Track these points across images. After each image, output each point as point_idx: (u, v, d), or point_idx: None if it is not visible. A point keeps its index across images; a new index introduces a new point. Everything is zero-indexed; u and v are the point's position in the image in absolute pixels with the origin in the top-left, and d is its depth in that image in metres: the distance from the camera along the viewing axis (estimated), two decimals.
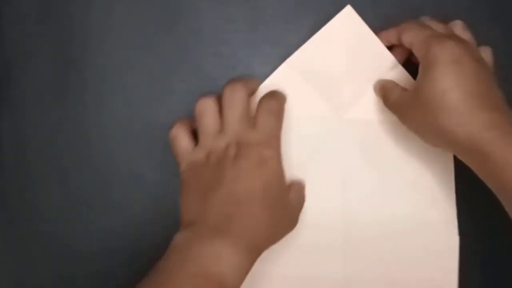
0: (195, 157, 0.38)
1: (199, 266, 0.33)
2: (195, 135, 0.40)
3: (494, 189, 0.35)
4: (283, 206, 0.38)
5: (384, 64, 0.42)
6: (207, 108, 0.38)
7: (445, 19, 0.40)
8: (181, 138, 0.39)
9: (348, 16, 0.42)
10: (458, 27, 0.39)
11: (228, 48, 0.44)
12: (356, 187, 0.43)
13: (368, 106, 0.43)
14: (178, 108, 0.44)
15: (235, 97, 0.38)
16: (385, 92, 0.41)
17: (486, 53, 0.38)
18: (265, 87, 0.43)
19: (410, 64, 0.42)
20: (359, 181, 0.43)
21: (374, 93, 0.42)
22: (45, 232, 0.44)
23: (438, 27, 0.38)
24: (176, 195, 0.43)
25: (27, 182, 0.44)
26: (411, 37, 0.37)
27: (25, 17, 0.44)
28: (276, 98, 0.39)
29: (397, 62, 0.42)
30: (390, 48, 0.42)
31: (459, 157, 0.37)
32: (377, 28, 0.42)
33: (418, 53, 0.37)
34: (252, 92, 0.40)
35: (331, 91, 0.43)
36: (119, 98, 0.44)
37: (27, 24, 0.44)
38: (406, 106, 0.38)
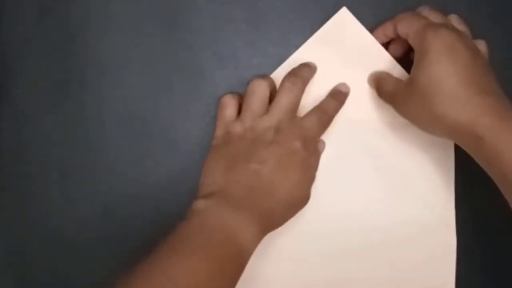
0: (232, 129, 0.39)
1: (222, 231, 0.34)
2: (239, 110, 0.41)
3: (491, 173, 0.35)
4: (301, 192, 0.39)
5: (382, 64, 0.42)
6: (259, 89, 0.39)
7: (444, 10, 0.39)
8: (228, 106, 0.40)
9: (344, 18, 0.42)
10: (454, 20, 0.39)
11: (228, 48, 0.44)
12: (355, 189, 0.43)
13: (366, 107, 0.43)
14: (178, 108, 0.44)
15: (293, 87, 0.39)
16: (380, 82, 0.41)
17: (481, 45, 0.38)
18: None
19: (409, 63, 0.42)
20: (358, 183, 0.43)
21: (369, 86, 0.42)
22: (45, 232, 0.44)
23: (433, 17, 0.38)
24: (176, 195, 0.44)
25: (27, 181, 0.44)
26: (406, 27, 0.38)
27: (25, 17, 0.44)
28: (328, 114, 0.41)
29: (395, 62, 0.42)
30: (387, 44, 0.42)
31: (456, 143, 0.37)
32: (375, 28, 0.42)
33: (413, 42, 0.37)
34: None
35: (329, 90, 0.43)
36: (119, 98, 0.44)
37: (27, 24, 0.44)
38: (401, 95, 0.38)
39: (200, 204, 0.36)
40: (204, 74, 0.44)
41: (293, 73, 0.41)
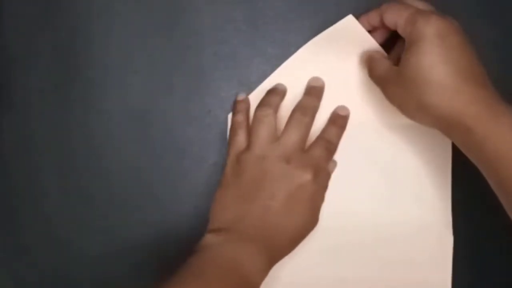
0: (242, 159, 0.39)
1: (232, 263, 0.35)
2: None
3: (476, 162, 0.35)
4: (308, 224, 0.39)
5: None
6: (267, 118, 0.40)
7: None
8: (240, 132, 0.40)
9: (349, 24, 0.41)
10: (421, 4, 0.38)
11: (228, 48, 0.44)
12: (352, 189, 0.43)
13: (365, 109, 0.43)
14: (178, 108, 0.44)
15: (303, 119, 0.40)
16: (372, 63, 0.40)
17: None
18: (264, 88, 0.43)
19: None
20: (355, 183, 0.43)
21: (362, 68, 0.42)
22: (46, 232, 0.44)
23: (419, 4, 0.38)
24: (177, 194, 0.44)
25: (29, 181, 0.44)
26: (395, 15, 0.37)
27: (25, 17, 0.44)
28: (333, 143, 0.41)
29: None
30: (370, 32, 0.41)
31: (442, 132, 0.36)
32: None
33: (403, 30, 0.36)
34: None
35: (330, 93, 0.43)
36: (120, 98, 0.44)
37: (27, 24, 0.44)
38: (392, 80, 0.37)
39: (210, 239, 0.37)
40: (204, 74, 0.44)
41: (302, 105, 0.41)
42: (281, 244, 0.38)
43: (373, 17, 0.39)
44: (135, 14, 0.44)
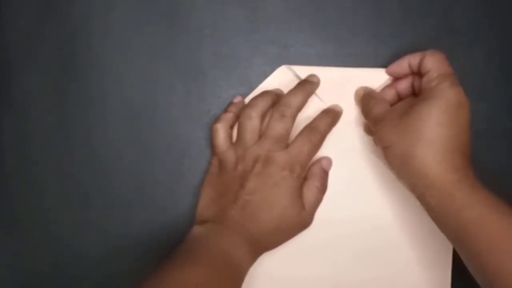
0: (225, 157, 0.41)
1: (220, 249, 0.37)
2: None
3: (448, 229, 0.36)
4: (289, 218, 0.40)
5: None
6: (250, 122, 0.41)
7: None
8: (219, 135, 0.41)
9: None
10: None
11: (228, 48, 0.44)
12: (352, 191, 0.43)
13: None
14: (178, 107, 0.44)
15: (283, 118, 0.40)
16: (370, 102, 0.41)
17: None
18: (264, 87, 0.43)
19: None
20: (354, 185, 0.43)
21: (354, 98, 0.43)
22: (46, 232, 0.44)
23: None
24: (176, 194, 0.44)
25: (29, 181, 0.44)
26: (435, 64, 0.38)
27: (25, 17, 0.44)
28: (320, 132, 0.41)
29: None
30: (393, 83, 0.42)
31: (415, 191, 0.37)
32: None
33: (428, 80, 0.37)
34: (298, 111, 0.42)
35: (330, 92, 0.43)
36: (119, 98, 0.44)
37: (27, 24, 0.44)
38: (388, 123, 0.38)
39: (198, 230, 0.39)
40: (204, 74, 0.44)
41: (284, 103, 0.41)
42: (259, 235, 0.39)
43: (416, 58, 0.39)
44: (135, 14, 0.44)
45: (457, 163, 0.35)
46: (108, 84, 0.44)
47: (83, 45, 0.44)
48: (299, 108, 0.41)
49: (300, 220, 0.41)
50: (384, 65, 0.42)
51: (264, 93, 0.42)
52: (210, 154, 0.43)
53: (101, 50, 0.44)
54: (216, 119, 0.42)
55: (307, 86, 0.42)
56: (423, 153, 0.35)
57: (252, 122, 0.40)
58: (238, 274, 0.38)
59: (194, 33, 0.44)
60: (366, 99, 0.41)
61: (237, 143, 0.41)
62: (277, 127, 0.40)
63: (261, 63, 0.44)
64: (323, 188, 0.42)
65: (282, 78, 0.43)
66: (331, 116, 0.42)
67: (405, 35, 0.43)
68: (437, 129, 0.35)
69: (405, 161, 0.36)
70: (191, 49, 0.44)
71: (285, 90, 0.42)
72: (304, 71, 0.43)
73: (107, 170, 0.44)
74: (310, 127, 0.41)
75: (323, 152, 0.42)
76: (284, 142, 0.40)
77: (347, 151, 0.43)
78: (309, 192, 0.41)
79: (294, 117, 0.40)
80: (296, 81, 0.42)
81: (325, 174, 0.42)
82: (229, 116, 0.42)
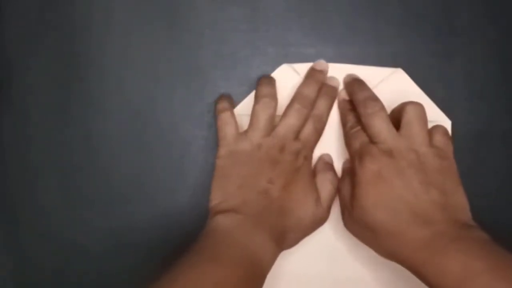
0: (239, 146, 0.39)
1: (244, 250, 0.34)
2: None
3: None
4: (311, 210, 0.39)
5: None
6: (269, 108, 0.40)
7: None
8: (229, 125, 0.40)
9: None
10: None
11: (228, 48, 0.44)
12: None
13: None
14: (178, 107, 0.44)
15: (301, 109, 0.40)
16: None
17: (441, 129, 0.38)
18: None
19: None
20: None
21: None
22: (47, 231, 0.44)
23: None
24: (176, 194, 0.44)
25: (29, 181, 0.44)
26: (348, 147, 0.39)
27: (25, 17, 0.44)
28: (325, 108, 0.41)
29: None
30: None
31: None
32: None
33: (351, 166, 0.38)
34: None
35: None
36: (119, 98, 0.44)
37: (27, 24, 0.44)
38: (347, 210, 0.39)
39: (222, 220, 0.36)
40: (204, 74, 0.44)
41: (301, 94, 0.41)
42: (285, 229, 0.37)
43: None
44: (134, 14, 0.44)
45: (416, 240, 0.34)
46: (108, 84, 0.44)
47: (83, 44, 0.44)
48: (314, 99, 0.41)
49: (322, 213, 0.40)
50: (384, 65, 0.43)
51: (269, 80, 0.42)
52: (210, 153, 0.43)
53: (101, 50, 0.44)
54: (220, 109, 0.41)
55: (318, 75, 0.42)
56: (380, 242, 0.36)
57: (271, 108, 0.40)
58: (262, 275, 0.35)
59: (194, 33, 0.44)
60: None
61: (253, 132, 0.39)
62: (295, 117, 0.40)
63: (261, 63, 0.44)
64: (334, 180, 0.41)
65: (283, 76, 0.43)
66: (328, 94, 0.42)
67: (405, 35, 0.43)
68: (373, 218, 0.35)
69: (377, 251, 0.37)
70: (191, 49, 0.44)
71: (287, 88, 0.42)
72: (305, 69, 0.43)
73: (107, 170, 0.44)
74: (313, 117, 0.41)
75: (323, 151, 0.43)
76: (298, 131, 0.40)
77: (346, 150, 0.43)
78: (322, 186, 0.40)
79: (310, 109, 0.41)
80: (297, 79, 0.42)
81: (331, 166, 0.42)
82: (230, 105, 0.41)
